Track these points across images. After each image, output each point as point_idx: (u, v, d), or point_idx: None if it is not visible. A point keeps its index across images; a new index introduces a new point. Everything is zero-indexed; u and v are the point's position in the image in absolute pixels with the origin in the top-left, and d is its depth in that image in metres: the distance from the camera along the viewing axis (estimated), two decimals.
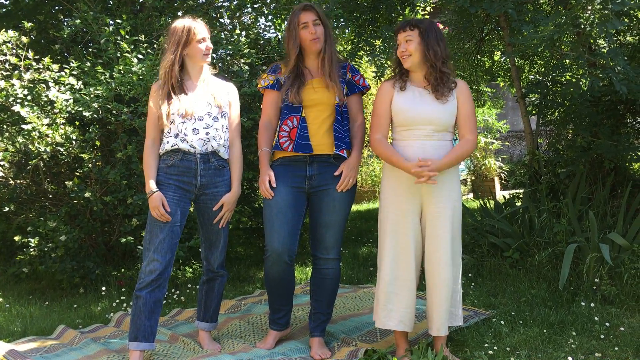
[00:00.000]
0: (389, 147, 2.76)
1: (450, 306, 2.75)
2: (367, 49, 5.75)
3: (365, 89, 3.00)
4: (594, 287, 3.61)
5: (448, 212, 2.72)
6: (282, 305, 3.00)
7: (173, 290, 4.21)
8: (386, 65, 5.45)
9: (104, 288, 4.16)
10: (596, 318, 3.20)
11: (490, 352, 2.80)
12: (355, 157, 2.92)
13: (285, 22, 6.33)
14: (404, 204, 2.74)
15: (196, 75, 2.92)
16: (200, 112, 2.84)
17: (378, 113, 2.80)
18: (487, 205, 5.03)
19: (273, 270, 2.86)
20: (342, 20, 5.97)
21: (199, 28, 2.84)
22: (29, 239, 4.04)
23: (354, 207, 8.89)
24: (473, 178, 9.93)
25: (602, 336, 2.98)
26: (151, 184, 2.78)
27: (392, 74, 2.93)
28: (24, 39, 4.18)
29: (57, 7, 5.76)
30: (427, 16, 8.85)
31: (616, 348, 2.82)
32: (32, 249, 4.05)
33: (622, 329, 3.06)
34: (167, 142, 2.83)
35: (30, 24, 4.23)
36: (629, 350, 2.78)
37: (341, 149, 2.85)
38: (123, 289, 4.21)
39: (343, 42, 6.98)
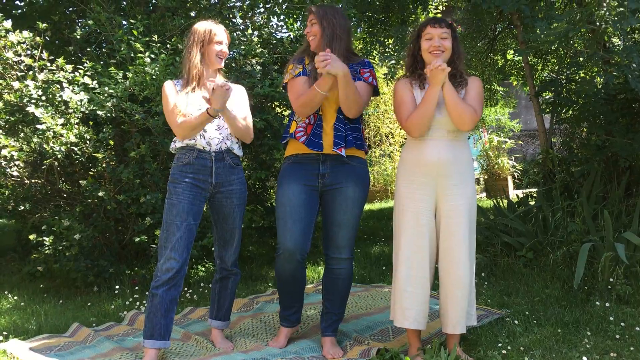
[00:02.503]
0: (416, 109, 2.70)
1: (467, 305, 2.74)
2: (380, 48, 5.75)
3: (367, 82, 2.87)
4: (609, 287, 3.58)
5: (463, 209, 2.70)
6: (294, 302, 3.00)
7: (186, 289, 4.22)
8: (398, 66, 5.44)
9: (117, 287, 4.19)
10: (611, 318, 3.17)
11: (504, 351, 2.78)
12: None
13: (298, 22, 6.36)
14: (418, 202, 2.73)
15: (211, 76, 2.96)
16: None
17: (404, 100, 2.76)
18: (500, 204, 5.00)
19: (285, 269, 2.86)
20: (354, 19, 5.97)
21: (219, 31, 2.91)
22: (44, 238, 4.08)
23: (367, 207, 8.88)
24: (486, 177, 9.89)
25: (617, 336, 2.94)
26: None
27: (405, 70, 2.91)
28: (38, 40, 4.22)
29: (71, 9, 5.82)
30: (439, 15, 8.83)
31: (632, 348, 2.79)
32: (46, 248, 4.08)
33: (637, 328, 3.03)
34: (182, 140, 2.87)
35: (44, 24, 4.27)
36: None
37: (339, 147, 2.79)
38: (137, 288, 4.24)
39: (355, 41, 6.98)
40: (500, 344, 2.88)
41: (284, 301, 3.00)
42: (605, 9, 3.14)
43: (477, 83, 2.80)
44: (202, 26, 2.90)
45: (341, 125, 2.83)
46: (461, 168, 2.73)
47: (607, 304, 3.37)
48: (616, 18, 3.00)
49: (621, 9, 3.03)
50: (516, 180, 10.18)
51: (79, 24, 5.02)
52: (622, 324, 3.08)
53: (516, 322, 3.19)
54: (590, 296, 3.55)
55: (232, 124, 2.91)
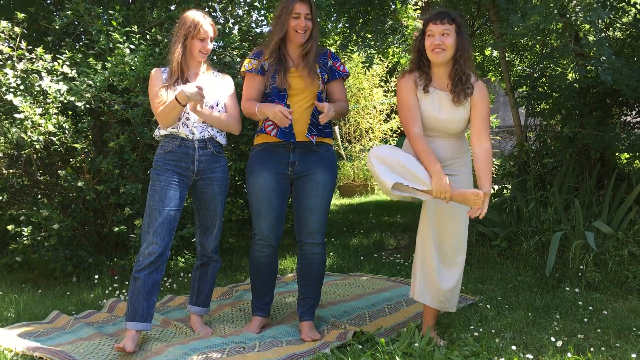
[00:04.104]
0: (427, 146, 2.61)
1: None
2: (359, 40, 5.80)
3: (345, 75, 3.05)
4: (580, 274, 3.69)
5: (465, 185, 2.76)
6: (268, 291, 3.08)
7: (166, 278, 4.24)
8: (375, 56, 5.51)
9: (96, 276, 4.20)
10: (580, 302, 3.27)
11: (476, 333, 2.87)
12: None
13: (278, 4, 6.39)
14: None
15: (195, 67, 3.02)
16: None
17: (408, 105, 2.68)
18: None
19: (262, 253, 2.97)
20: (334, 14, 6.03)
21: (204, 27, 2.92)
22: (22, 228, 4.07)
23: (346, 201, 8.95)
24: None
25: (585, 319, 3.05)
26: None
27: (410, 64, 2.82)
28: (17, 30, 4.20)
29: (48, 1, 5.78)
30: (419, 11, 8.92)
31: (599, 330, 2.89)
32: (25, 238, 4.08)
33: (605, 312, 3.14)
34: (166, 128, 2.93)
35: (23, 15, 4.25)
36: (610, 333, 2.85)
37: (311, 135, 2.86)
38: (116, 277, 4.25)
39: (335, 36, 7.03)
40: (472, 327, 2.97)
41: (258, 290, 3.07)
42: (574, 1, 3.24)
43: (483, 96, 2.70)
44: (190, 18, 2.93)
45: (317, 112, 2.88)
46: (460, 161, 2.78)
47: (577, 290, 3.47)
48: (587, 9, 3.09)
49: (589, 0, 3.12)
50: (494, 175, 10.32)
51: (57, 15, 4.98)
52: (591, 308, 3.19)
53: (489, 306, 3.28)
54: (561, 283, 3.66)
55: (211, 121, 2.96)
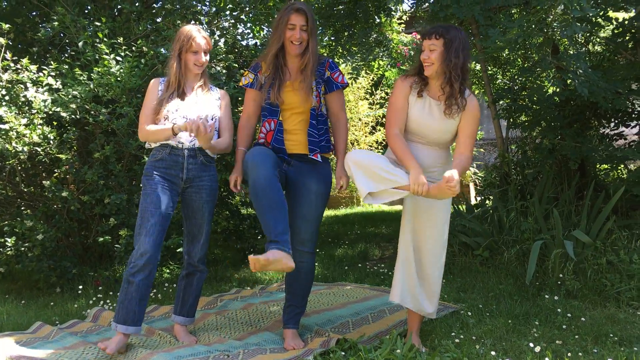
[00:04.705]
0: (405, 145, 2.72)
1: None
2: (345, 53, 5.87)
3: (343, 86, 3.04)
4: (559, 282, 3.75)
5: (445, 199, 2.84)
6: (281, 215, 2.67)
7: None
8: (361, 68, 5.59)
9: (80, 287, 4.19)
10: (559, 310, 3.34)
11: (457, 340, 2.91)
12: (340, 166, 2.98)
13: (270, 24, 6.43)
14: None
15: (192, 80, 3.09)
16: (192, 115, 2.98)
17: (396, 107, 2.80)
18: (459, 206, 5.18)
19: (260, 175, 2.66)
20: (320, 27, 6.11)
21: (197, 40, 2.99)
22: (6, 239, 4.06)
23: (332, 212, 8.99)
24: None
25: (564, 326, 3.11)
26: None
27: (411, 69, 2.92)
28: (2, 41, 4.22)
29: (34, 12, 5.80)
30: (403, 25, 9.03)
31: (577, 336, 2.94)
32: (8, 249, 4.07)
33: (583, 319, 3.20)
34: None
35: (8, 25, 4.27)
36: (588, 339, 2.91)
37: (314, 153, 2.92)
38: (100, 288, 4.24)
39: (321, 49, 7.11)
40: (454, 334, 3.01)
41: (270, 218, 2.65)
42: (551, 16, 3.33)
43: (473, 114, 2.79)
44: (184, 32, 3.01)
45: (314, 131, 2.94)
46: (441, 169, 2.83)
47: (556, 298, 3.54)
48: (561, 25, 3.19)
49: (566, 16, 3.22)
50: (478, 187, 10.43)
51: (43, 27, 5.01)
52: (569, 315, 3.25)
53: (470, 314, 3.33)
54: (541, 291, 3.72)
55: (213, 151, 3.05)
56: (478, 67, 7.43)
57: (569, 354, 2.70)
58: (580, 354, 2.72)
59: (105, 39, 4.37)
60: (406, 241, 2.85)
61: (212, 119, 3.04)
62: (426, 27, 2.85)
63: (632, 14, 4.77)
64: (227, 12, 5.80)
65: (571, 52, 4.63)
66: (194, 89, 3.08)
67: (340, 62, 6.44)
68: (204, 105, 3.04)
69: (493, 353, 2.69)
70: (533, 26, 3.38)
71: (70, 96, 4.12)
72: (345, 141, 3.07)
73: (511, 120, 4.95)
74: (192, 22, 5.43)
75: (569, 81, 4.01)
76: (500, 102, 5.14)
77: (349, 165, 2.68)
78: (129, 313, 2.81)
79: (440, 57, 2.69)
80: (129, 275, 2.82)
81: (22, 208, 4.51)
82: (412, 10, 7.04)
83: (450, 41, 2.69)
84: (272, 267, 2.57)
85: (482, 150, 11.85)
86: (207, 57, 3.07)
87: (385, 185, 2.63)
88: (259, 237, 5.36)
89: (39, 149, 4.06)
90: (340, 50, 6.31)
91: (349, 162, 2.68)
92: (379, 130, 10.38)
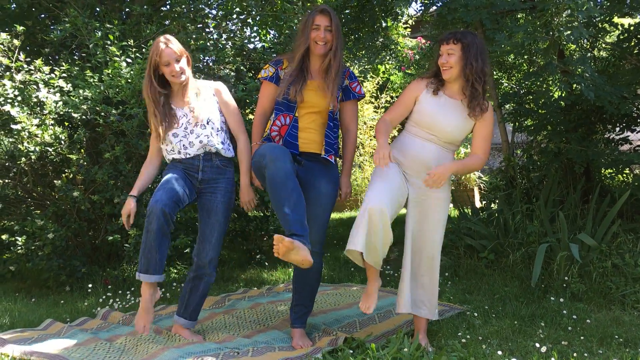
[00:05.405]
0: (385, 130, 2.86)
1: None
2: (352, 57, 5.92)
3: (360, 96, 3.11)
4: (564, 285, 3.78)
5: (445, 198, 2.94)
6: (301, 213, 2.70)
7: (158, 288, 4.28)
8: (368, 72, 5.64)
9: (90, 285, 4.23)
10: (565, 312, 3.36)
11: (464, 340, 2.94)
12: (346, 176, 3.10)
13: (273, 31, 6.48)
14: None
15: (178, 90, 3.08)
16: (188, 126, 3.03)
17: (400, 101, 2.95)
18: (465, 209, 5.21)
19: (277, 167, 2.69)
20: None
21: (166, 51, 2.94)
22: (17, 238, 4.10)
23: (337, 215, 9.01)
24: (453, 188, 10.13)
25: (569, 328, 3.14)
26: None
27: (428, 71, 3.02)
28: (15, 42, 4.28)
29: (44, 15, 5.86)
30: (408, 29, 9.08)
31: (582, 338, 2.97)
32: (19, 248, 4.12)
33: (588, 321, 3.23)
34: (169, 155, 3.11)
35: (21, 27, 4.33)
36: (593, 340, 2.94)
37: (330, 154, 2.98)
38: (109, 287, 4.29)
39: None
40: (460, 334, 3.04)
41: (290, 212, 2.65)
42: (557, 20, 3.37)
43: (489, 117, 2.88)
44: (155, 44, 2.97)
45: (331, 132, 3.01)
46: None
47: (562, 300, 3.56)
48: (567, 28, 3.22)
49: (571, 18, 3.26)
50: (482, 191, 10.45)
51: (54, 29, 5.06)
52: (575, 317, 3.28)
53: (476, 315, 3.36)
54: (547, 293, 3.75)
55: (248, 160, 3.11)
56: None
57: (575, 355, 2.73)
58: (585, 354, 2.74)
59: (116, 42, 4.43)
60: (407, 248, 2.94)
61: (207, 122, 3.05)
62: (443, 32, 2.93)
63: (638, 20, 4.82)
64: (234, 16, 5.85)
65: (576, 56, 4.67)
66: (185, 97, 3.06)
67: (347, 66, 6.50)
68: (199, 110, 3.05)
69: (499, 353, 2.72)
70: (539, 29, 3.42)
71: (81, 97, 4.17)
72: (353, 154, 3.14)
73: (517, 124, 4.98)
74: (200, 25, 5.48)
75: (574, 85, 4.05)
76: (506, 106, 5.17)
77: (361, 212, 2.69)
78: (149, 262, 2.86)
79: (459, 61, 2.77)
80: (147, 225, 2.85)
81: (32, 207, 4.57)
82: (418, 14, 7.10)
83: (468, 46, 2.77)
84: (293, 254, 2.58)
85: None
86: (183, 64, 2.99)
87: (371, 256, 2.75)
88: (265, 239, 5.39)
89: (50, 149, 4.11)
90: (347, 54, 6.35)
91: (367, 213, 2.66)
92: None
